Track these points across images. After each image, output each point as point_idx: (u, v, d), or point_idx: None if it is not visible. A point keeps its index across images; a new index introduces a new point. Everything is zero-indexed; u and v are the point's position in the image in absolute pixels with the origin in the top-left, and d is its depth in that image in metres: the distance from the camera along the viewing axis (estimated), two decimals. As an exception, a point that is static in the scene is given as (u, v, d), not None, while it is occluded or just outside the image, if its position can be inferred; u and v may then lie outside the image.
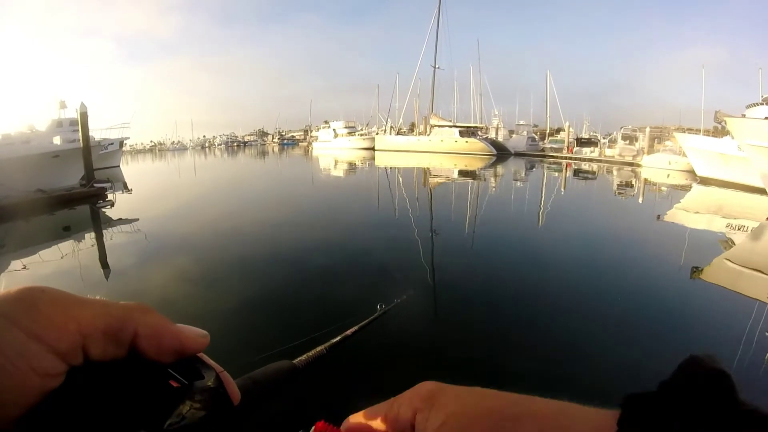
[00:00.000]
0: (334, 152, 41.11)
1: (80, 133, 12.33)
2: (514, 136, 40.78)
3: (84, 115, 12.16)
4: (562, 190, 13.98)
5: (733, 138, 13.29)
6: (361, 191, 13.89)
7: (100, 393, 0.20)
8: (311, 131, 68.95)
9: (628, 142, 27.62)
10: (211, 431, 0.22)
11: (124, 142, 23.21)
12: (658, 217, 8.83)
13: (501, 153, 33.32)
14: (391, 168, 23.06)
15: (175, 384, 0.23)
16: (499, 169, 22.91)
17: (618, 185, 15.85)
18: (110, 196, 11.73)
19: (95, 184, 11.93)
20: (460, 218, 8.34)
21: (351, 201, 11.31)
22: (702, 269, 4.94)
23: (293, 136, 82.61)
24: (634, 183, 16.63)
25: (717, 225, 8.47)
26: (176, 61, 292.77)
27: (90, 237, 7.08)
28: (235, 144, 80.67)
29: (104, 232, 7.38)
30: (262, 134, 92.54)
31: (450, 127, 35.81)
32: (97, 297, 0.22)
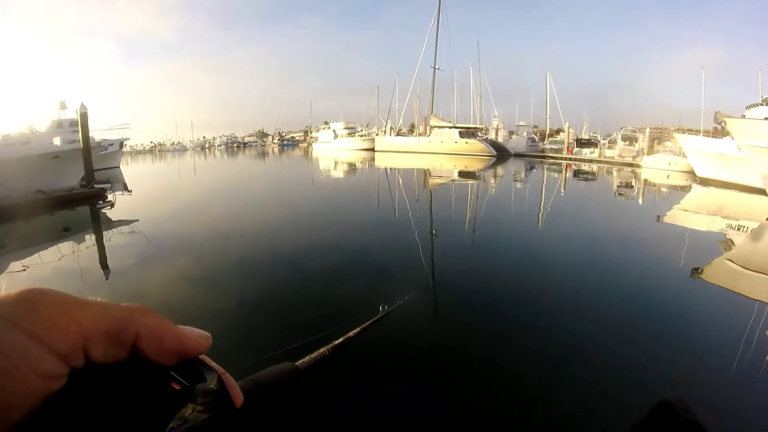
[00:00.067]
0: (334, 153, 41.10)
1: (80, 134, 12.35)
2: (514, 137, 40.72)
3: (84, 116, 12.17)
4: (562, 191, 13.97)
5: (732, 139, 13.29)
6: (361, 192, 13.88)
7: (102, 395, 0.20)
8: (311, 132, 68.90)
9: (627, 142, 27.64)
10: None
11: (124, 142, 23.22)
12: (658, 217, 8.83)
13: (501, 154, 33.33)
14: (391, 169, 23.05)
15: (177, 386, 0.23)
16: (499, 170, 22.90)
17: (618, 186, 15.84)
18: (110, 197, 11.72)
19: (95, 185, 11.94)
20: (460, 219, 8.34)
21: (351, 202, 11.30)
22: (702, 270, 4.94)
23: (293, 137, 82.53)
24: (634, 184, 16.62)
25: (717, 225, 8.48)
26: (176, 61, 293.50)
27: (90, 238, 7.07)
28: (235, 145, 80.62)
29: (104, 233, 7.38)
30: (262, 135, 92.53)
31: (450, 128, 35.79)
32: (98, 298, 0.22)
